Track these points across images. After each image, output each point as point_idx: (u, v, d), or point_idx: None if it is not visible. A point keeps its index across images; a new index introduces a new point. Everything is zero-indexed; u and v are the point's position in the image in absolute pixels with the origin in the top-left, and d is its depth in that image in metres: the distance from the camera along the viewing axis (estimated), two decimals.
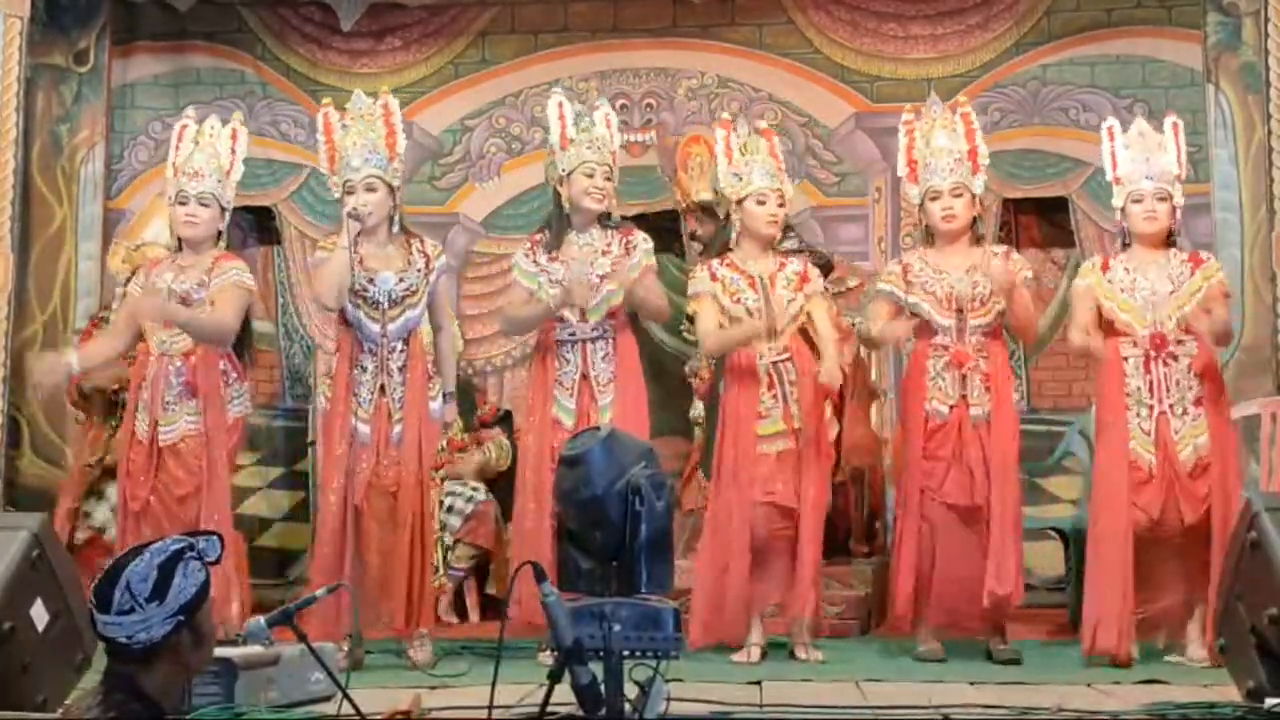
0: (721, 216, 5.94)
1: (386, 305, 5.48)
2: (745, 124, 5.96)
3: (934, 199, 5.64)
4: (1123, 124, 5.63)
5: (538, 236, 5.77)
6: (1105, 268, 5.51)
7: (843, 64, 7.91)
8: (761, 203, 5.66)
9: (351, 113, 5.61)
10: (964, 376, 5.56)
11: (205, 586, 3.05)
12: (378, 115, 5.56)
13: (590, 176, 5.62)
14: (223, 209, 5.68)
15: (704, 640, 5.54)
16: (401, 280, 5.49)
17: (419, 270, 5.51)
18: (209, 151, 5.69)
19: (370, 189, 5.44)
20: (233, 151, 5.75)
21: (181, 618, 3.01)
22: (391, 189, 5.52)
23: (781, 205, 5.72)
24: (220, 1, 7.96)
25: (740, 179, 5.69)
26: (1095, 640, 5.30)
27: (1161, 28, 7.61)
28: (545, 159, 5.91)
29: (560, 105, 5.74)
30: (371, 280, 5.48)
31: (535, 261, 5.66)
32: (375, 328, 5.49)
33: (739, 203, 5.70)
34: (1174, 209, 5.47)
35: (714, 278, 5.69)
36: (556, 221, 5.70)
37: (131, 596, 3.00)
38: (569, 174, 5.63)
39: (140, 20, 7.92)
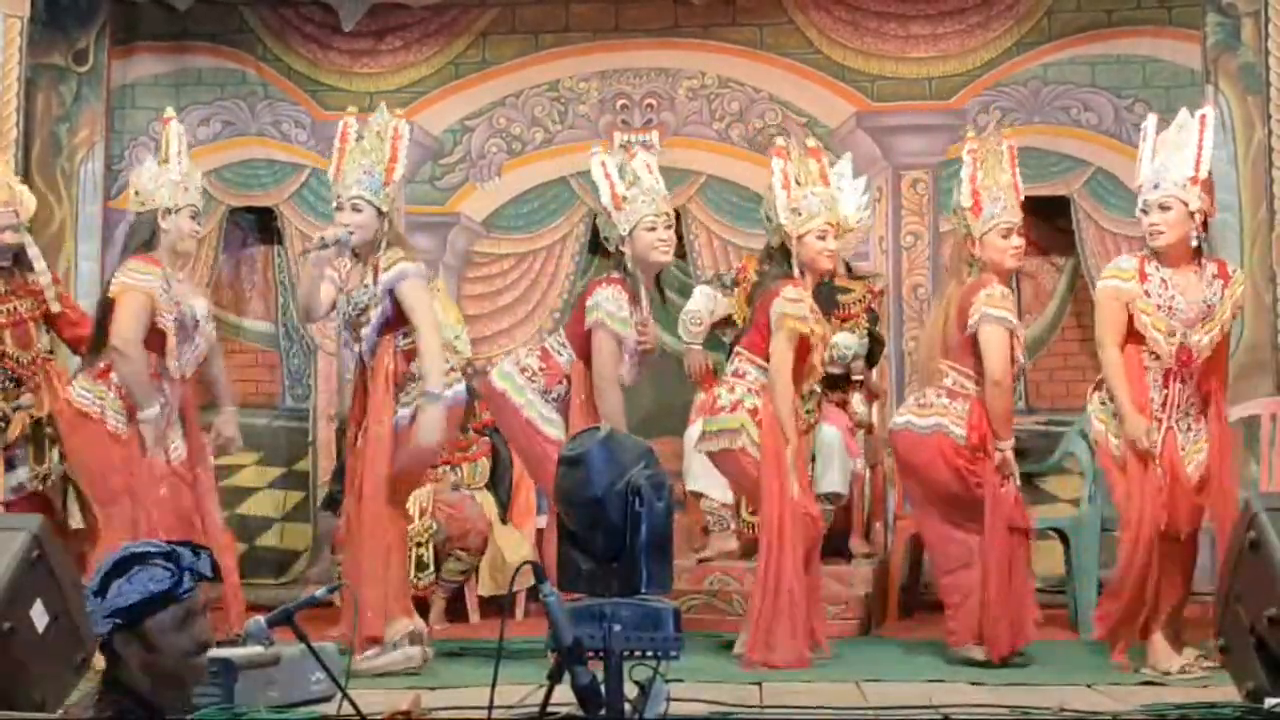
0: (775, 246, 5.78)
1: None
2: (796, 145, 5.79)
3: (1005, 235, 5.51)
4: (1131, 123, 5.54)
5: (624, 280, 5.60)
6: (1143, 277, 5.24)
7: (843, 64, 7.90)
8: (821, 237, 5.60)
9: (371, 125, 5.53)
10: None
11: (153, 599, 2.95)
12: (387, 136, 5.48)
13: (653, 230, 5.56)
14: None
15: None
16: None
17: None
18: (190, 162, 5.75)
19: (356, 209, 5.38)
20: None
21: (118, 620, 2.94)
22: (380, 213, 5.41)
23: (838, 238, 5.69)
24: (221, 1, 7.96)
25: (800, 215, 5.57)
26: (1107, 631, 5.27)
27: (1161, 28, 7.59)
28: (600, 223, 5.82)
29: (603, 165, 5.67)
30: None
31: (632, 311, 5.59)
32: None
33: (799, 239, 5.58)
34: (1191, 215, 5.17)
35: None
36: (632, 280, 5.60)
37: (88, 585, 3.00)
38: (630, 232, 5.57)
39: (140, 20, 7.91)
